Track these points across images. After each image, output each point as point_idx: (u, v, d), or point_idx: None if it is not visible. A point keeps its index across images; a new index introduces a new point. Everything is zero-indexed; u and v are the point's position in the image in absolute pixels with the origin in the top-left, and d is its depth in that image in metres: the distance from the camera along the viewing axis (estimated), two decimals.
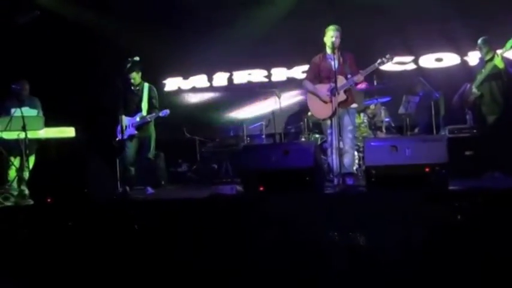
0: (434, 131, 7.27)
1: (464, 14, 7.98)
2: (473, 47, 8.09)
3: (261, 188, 4.78)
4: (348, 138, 5.82)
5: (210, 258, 4.36)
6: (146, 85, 6.90)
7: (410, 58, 8.56)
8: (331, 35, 5.78)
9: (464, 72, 8.27)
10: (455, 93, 7.58)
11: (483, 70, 6.24)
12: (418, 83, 7.45)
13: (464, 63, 8.32)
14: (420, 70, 8.46)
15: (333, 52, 5.77)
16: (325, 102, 5.82)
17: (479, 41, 6.40)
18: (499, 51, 6.11)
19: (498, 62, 6.02)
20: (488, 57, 6.28)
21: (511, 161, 5.88)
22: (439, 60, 8.49)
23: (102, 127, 7.46)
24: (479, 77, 6.25)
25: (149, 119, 6.77)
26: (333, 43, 5.73)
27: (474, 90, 6.31)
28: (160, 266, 4.51)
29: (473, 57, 8.15)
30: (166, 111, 6.79)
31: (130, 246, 4.64)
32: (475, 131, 6.75)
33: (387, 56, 5.70)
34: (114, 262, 4.62)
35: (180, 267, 4.45)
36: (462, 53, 8.33)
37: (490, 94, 6.23)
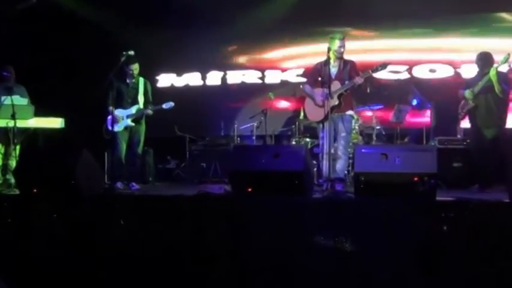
0: (424, 141, 7.32)
1: (462, 26, 8.05)
2: (467, 59, 8.25)
3: (249, 189, 4.77)
4: (341, 145, 5.87)
5: (195, 256, 4.35)
6: (141, 79, 6.84)
7: (404, 67, 8.60)
8: (337, 44, 5.82)
9: (457, 84, 8.35)
10: (447, 104, 7.68)
11: (480, 83, 6.23)
12: (410, 92, 7.47)
13: (457, 75, 8.38)
14: (413, 80, 8.51)
15: (335, 59, 5.82)
16: (319, 105, 5.88)
17: (476, 56, 6.41)
18: (495, 65, 6.13)
19: (492, 75, 6.05)
20: (485, 71, 6.28)
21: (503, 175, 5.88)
22: (432, 71, 8.54)
23: (91, 119, 7.40)
24: (476, 89, 6.24)
25: (149, 112, 6.68)
26: (340, 53, 5.81)
27: (469, 101, 6.32)
28: (144, 262, 4.49)
29: (467, 70, 8.23)
30: (171, 104, 6.74)
31: (115, 240, 4.62)
32: (464, 143, 6.79)
33: (381, 64, 5.76)
34: (97, 256, 4.60)
35: (165, 264, 4.43)
36: (456, 65, 8.39)
37: (485, 106, 6.22)
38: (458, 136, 7.12)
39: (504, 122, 6.30)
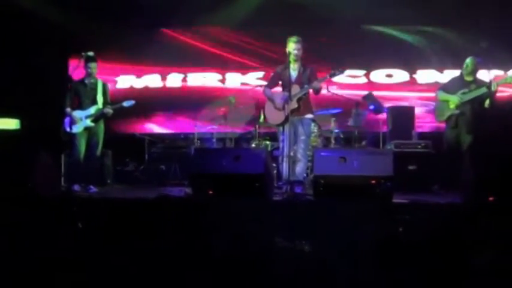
0: (381, 145, 7.50)
1: (417, 33, 8.29)
2: (422, 65, 8.53)
3: (210, 192, 4.79)
4: (300, 148, 5.93)
5: (155, 260, 4.33)
6: (100, 81, 6.78)
7: (362, 72, 8.80)
8: (292, 47, 5.89)
9: (412, 88, 8.65)
10: (402, 109, 7.92)
11: (467, 90, 6.32)
12: (368, 97, 7.64)
13: (412, 80, 8.66)
14: (371, 84, 8.72)
15: (294, 62, 5.89)
16: (278, 109, 5.95)
17: (468, 60, 6.44)
18: (501, 81, 6.20)
19: (494, 91, 6.05)
20: (470, 78, 6.40)
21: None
22: (389, 76, 8.77)
23: (48, 120, 7.26)
24: (465, 97, 6.32)
25: (109, 111, 6.60)
26: (294, 54, 5.86)
27: (452, 107, 6.41)
28: (102, 267, 4.44)
29: (422, 75, 8.54)
30: (132, 102, 6.71)
31: (73, 244, 4.54)
32: (419, 146, 6.99)
33: (339, 69, 5.87)
34: (54, 259, 4.51)
35: (124, 269, 4.39)
36: (411, 71, 8.65)
37: (471, 114, 6.33)
38: (413, 140, 7.32)
39: (483, 129, 6.42)
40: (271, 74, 6.33)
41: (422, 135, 7.54)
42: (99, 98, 6.66)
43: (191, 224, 4.36)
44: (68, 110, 6.48)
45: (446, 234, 4.04)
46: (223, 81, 9.28)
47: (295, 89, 5.83)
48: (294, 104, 5.79)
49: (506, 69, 7.55)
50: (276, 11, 8.45)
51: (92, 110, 6.58)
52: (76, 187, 6.45)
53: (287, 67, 5.95)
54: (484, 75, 6.42)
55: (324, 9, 8.22)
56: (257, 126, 7.69)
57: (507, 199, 4.48)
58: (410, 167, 6.86)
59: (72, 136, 6.50)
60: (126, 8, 8.62)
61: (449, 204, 4.66)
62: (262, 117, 7.66)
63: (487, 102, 6.20)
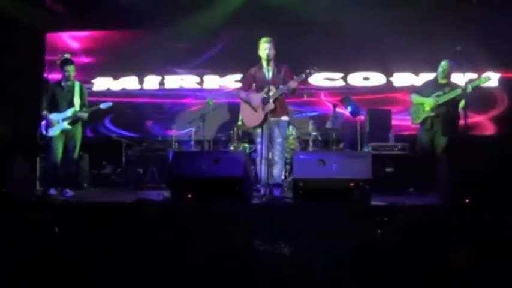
0: (359, 147, 7.56)
1: (393, 36, 8.36)
2: (399, 68, 8.58)
3: (189, 196, 4.76)
4: (277, 151, 5.92)
5: (134, 265, 4.29)
6: (77, 82, 6.68)
7: (339, 75, 8.86)
8: (264, 47, 5.89)
9: (389, 91, 8.73)
10: (379, 111, 7.99)
11: (441, 92, 6.42)
12: (345, 99, 7.69)
13: (389, 83, 8.74)
14: (348, 87, 8.78)
15: (268, 63, 5.89)
16: (255, 110, 5.94)
17: (443, 62, 6.53)
18: (475, 83, 6.26)
19: (468, 93, 6.08)
20: (444, 81, 6.51)
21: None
22: (366, 79, 8.85)
23: (23, 124, 7.15)
24: (440, 100, 6.42)
25: (83, 115, 6.52)
26: (267, 55, 5.85)
27: (428, 109, 6.51)
28: (80, 272, 4.38)
29: (398, 78, 8.67)
30: (109, 103, 6.68)
31: (50, 249, 4.47)
32: (396, 148, 7.07)
33: (315, 68, 5.89)
34: (30, 264, 4.44)
35: (101, 274, 4.34)
36: (388, 74, 8.74)
37: (445, 116, 6.43)
38: (391, 142, 7.40)
39: (458, 130, 6.51)
40: (245, 76, 6.31)
41: (399, 138, 7.62)
42: (76, 100, 6.57)
43: (170, 228, 4.33)
44: (44, 112, 6.40)
45: (424, 235, 4.09)
46: (201, 83, 9.26)
47: (271, 90, 5.82)
48: (270, 105, 5.77)
49: (480, 72, 7.66)
50: (252, 13, 8.45)
51: (69, 112, 6.50)
52: (52, 191, 6.36)
53: (261, 68, 5.95)
54: (459, 78, 6.49)
55: (300, 12, 8.26)
56: (235, 128, 7.68)
57: (483, 201, 4.56)
58: (388, 169, 6.93)
59: (49, 139, 6.40)
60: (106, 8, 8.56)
61: (426, 206, 4.71)
62: (240, 119, 7.67)
63: (462, 104, 6.30)
